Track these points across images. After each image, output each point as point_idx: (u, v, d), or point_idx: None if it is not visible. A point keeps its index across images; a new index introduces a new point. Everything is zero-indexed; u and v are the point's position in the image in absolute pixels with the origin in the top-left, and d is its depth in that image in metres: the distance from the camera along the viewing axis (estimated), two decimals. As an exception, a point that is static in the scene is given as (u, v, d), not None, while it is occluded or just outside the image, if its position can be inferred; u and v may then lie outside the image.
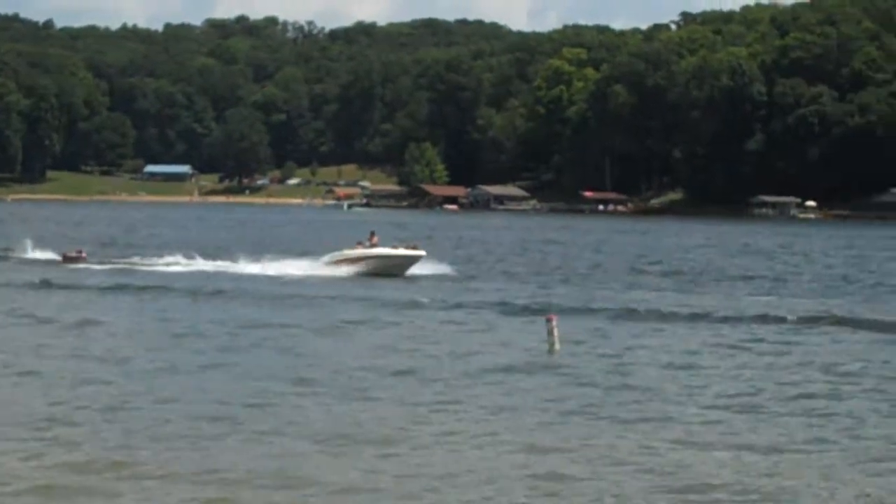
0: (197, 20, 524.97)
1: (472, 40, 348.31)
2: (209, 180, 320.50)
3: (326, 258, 60.88)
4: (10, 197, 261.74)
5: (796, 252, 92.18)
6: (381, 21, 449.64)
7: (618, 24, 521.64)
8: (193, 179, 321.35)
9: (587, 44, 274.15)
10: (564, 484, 18.92)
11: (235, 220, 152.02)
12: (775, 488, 18.82)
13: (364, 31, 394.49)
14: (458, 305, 45.44)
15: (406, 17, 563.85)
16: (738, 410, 24.87)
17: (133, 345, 33.71)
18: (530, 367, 30.18)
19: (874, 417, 24.41)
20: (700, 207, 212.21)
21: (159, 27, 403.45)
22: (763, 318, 41.53)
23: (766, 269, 71.24)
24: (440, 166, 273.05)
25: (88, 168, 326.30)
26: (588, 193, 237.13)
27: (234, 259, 62.93)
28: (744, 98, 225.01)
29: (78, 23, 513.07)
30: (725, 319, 41.52)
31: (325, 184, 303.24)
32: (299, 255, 64.72)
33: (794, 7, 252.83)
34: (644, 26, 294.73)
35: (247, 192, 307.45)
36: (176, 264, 63.07)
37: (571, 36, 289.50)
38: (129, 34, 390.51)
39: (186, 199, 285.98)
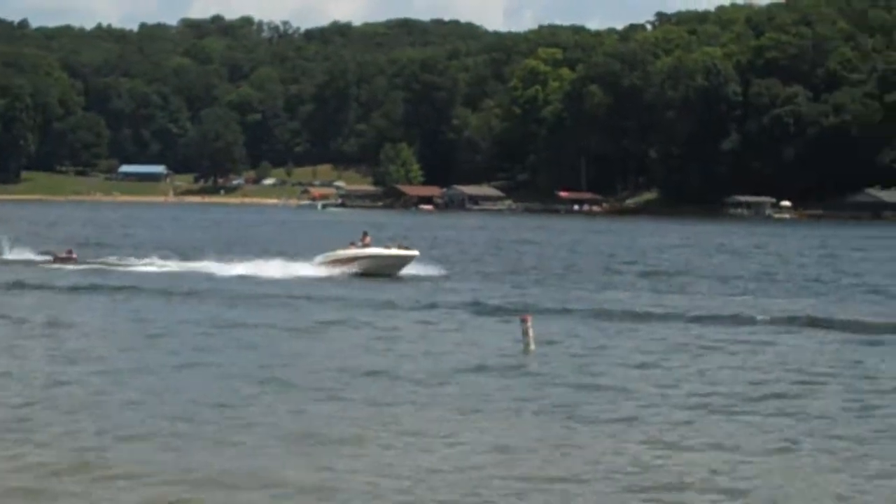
0: (172, 20, 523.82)
1: (447, 40, 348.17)
2: (184, 180, 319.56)
3: (319, 258, 60.38)
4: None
5: (771, 252, 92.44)
6: (357, 21, 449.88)
7: (593, 24, 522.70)
8: (168, 179, 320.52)
9: (563, 44, 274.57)
10: (536, 484, 18.93)
11: (211, 221, 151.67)
12: (747, 487, 18.89)
13: (339, 31, 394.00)
14: (433, 305, 45.44)
15: (381, 16, 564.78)
16: (710, 410, 24.94)
17: (106, 345, 33.66)
18: (504, 368, 30.18)
19: (846, 417, 24.51)
20: (675, 207, 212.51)
21: (134, 27, 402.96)
22: (736, 318, 41.67)
23: (741, 269, 71.40)
24: (415, 166, 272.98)
25: (63, 168, 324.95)
26: (563, 193, 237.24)
27: (220, 260, 61.76)
28: (719, 98, 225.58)
29: (53, 22, 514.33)
30: (699, 319, 41.58)
31: (300, 184, 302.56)
32: (275, 255, 64.38)
33: (770, 7, 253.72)
34: (619, 26, 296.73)
35: (222, 192, 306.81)
36: (151, 265, 62.71)
37: (547, 36, 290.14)
38: (104, 34, 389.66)
39: (161, 199, 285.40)
